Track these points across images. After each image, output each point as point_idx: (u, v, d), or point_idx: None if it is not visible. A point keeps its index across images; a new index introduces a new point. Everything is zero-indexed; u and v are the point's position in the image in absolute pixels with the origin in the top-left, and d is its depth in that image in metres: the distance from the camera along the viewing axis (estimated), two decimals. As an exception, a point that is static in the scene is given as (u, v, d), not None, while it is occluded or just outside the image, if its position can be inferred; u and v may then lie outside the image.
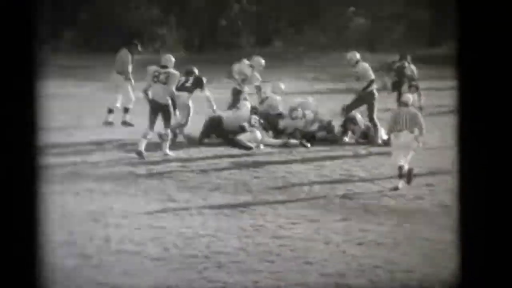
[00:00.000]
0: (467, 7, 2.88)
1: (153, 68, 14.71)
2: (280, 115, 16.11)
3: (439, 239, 9.77)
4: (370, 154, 14.68)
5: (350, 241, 9.81)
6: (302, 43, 29.49)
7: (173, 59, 14.87)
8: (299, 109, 16.09)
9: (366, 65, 16.03)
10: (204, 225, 10.36)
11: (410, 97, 13.72)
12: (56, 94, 17.89)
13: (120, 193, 11.91)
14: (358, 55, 16.17)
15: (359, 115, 15.87)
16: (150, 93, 14.50)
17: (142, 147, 14.10)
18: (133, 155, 14.12)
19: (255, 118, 15.61)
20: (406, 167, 12.51)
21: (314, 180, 12.94)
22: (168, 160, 14.08)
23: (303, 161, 14.28)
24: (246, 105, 16.12)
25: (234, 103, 16.50)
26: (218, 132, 15.60)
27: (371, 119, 15.73)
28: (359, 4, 30.79)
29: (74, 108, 19.11)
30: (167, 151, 14.36)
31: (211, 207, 11.33)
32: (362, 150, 15.13)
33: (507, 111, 2.86)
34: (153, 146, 14.39)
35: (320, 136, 15.86)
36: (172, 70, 14.63)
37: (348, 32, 31.10)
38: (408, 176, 12.46)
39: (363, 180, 12.94)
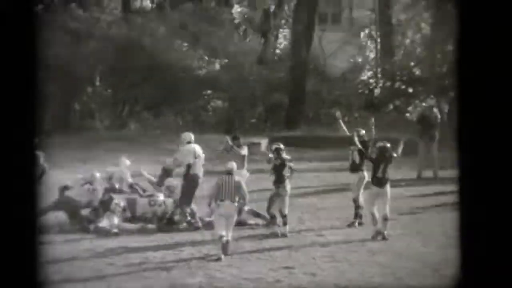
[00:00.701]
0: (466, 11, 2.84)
1: None
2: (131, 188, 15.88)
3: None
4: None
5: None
6: (159, 126, 29.25)
7: None
8: (157, 195, 15.81)
9: (189, 149, 15.65)
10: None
11: (234, 164, 13.85)
12: None
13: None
14: (191, 137, 15.89)
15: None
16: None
17: None
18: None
19: (114, 203, 15.17)
20: (229, 238, 12.83)
21: (172, 266, 12.56)
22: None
23: (161, 246, 13.87)
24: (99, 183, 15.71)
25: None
26: (70, 211, 15.08)
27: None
28: (217, 86, 30.92)
29: None
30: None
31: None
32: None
33: (505, 114, 2.82)
34: None
35: (178, 220, 15.52)
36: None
37: (206, 115, 31.14)
38: (224, 248, 12.76)
39: (221, 263, 12.65)
